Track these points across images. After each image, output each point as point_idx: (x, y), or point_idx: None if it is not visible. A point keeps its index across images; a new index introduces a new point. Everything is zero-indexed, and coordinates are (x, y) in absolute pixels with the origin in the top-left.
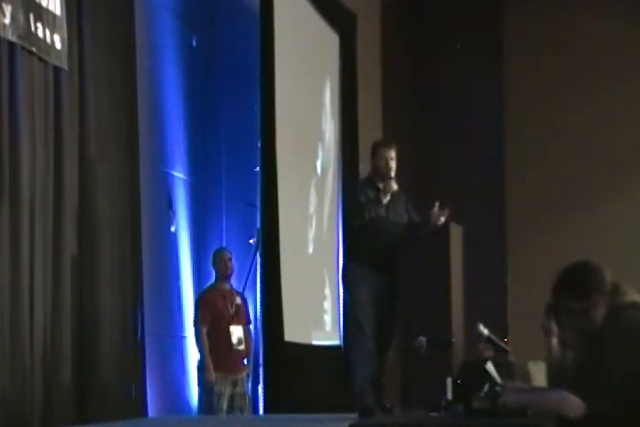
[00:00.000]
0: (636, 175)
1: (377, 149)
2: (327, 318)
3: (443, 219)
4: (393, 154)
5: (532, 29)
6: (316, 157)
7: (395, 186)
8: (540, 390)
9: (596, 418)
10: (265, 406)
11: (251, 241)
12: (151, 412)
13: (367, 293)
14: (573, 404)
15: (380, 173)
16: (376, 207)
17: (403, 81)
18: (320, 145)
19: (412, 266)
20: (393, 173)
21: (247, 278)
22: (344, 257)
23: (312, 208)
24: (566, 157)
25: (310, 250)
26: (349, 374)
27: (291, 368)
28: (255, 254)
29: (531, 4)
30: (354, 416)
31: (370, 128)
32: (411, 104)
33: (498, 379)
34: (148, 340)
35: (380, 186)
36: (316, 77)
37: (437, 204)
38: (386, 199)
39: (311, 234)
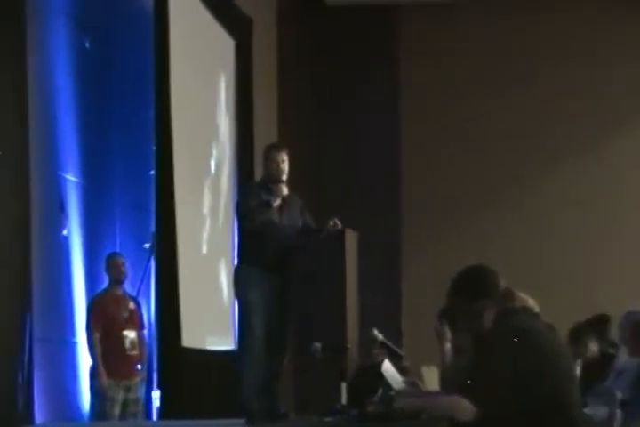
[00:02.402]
0: (529, 180)
1: (268, 152)
2: (223, 322)
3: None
4: (284, 157)
5: (427, 33)
6: (210, 155)
7: (285, 190)
8: (433, 394)
9: (487, 421)
10: (160, 412)
11: (145, 245)
12: (41, 419)
13: (259, 296)
14: (465, 408)
15: (271, 176)
16: (267, 211)
17: (299, 84)
18: (214, 144)
19: (306, 271)
20: (284, 177)
21: (141, 283)
22: (237, 259)
23: (206, 208)
24: (462, 162)
25: (204, 251)
26: (239, 379)
27: (186, 374)
28: (150, 259)
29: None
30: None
31: (266, 130)
32: (308, 107)
33: (398, 379)
34: (38, 346)
35: (272, 189)
36: (211, 79)
37: (334, 220)
38: (277, 203)
39: (205, 235)
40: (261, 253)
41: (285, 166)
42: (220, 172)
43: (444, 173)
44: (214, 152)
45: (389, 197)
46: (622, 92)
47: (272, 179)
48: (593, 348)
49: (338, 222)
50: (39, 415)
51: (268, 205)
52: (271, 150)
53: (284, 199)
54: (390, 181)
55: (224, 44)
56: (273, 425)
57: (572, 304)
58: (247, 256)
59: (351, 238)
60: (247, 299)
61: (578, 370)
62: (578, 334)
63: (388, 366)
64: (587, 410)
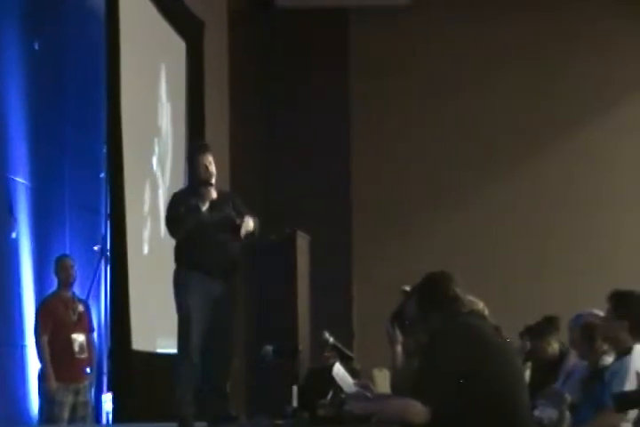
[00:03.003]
0: (478, 184)
1: (193, 155)
2: (173, 324)
3: (243, 231)
4: (210, 159)
5: (376, 35)
6: (152, 153)
7: (214, 193)
8: (385, 397)
9: (438, 423)
10: (113, 416)
11: (95, 248)
12: None
13: (197, 300)
14: (416, 410)
15: (199, 179)
16: (197, 216)
17: (250, 85)
18: (156, 140)
19: (258, 273)
20: (213, 180)
21: (91, 286)
22: (175, 263)
23: (147, 207)
24: (412, 163)
25: (146, 251)
26: (172, 381)
27: (136, 377)
28: (100, 261)
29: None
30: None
31: (217, 132)
32: (259, 107)
33: (349, 382)
34: None
35: (201, 193)
36: (159, 79)
37: (244, 218)
38: (206, 206)
39: (146, 234)
40: (197, 257)
41: (213, 168)
42: (163, 169)
43: (395, 174)
44: (156, 149)
45: (340, 198)
46: (577, 93)
47: (200, 182)
48: (555, 347)
49: (247, 222)
50: None
51: (197, 209)
52: (196, 153)
53: (213, 202)
54: (341, 182)
55: (174, 46)
56: None
57: (523, 305)
58: (184, 260)
59: (303, 241)
60: (185, 303)
61: (528, 372)
62: (534, 335)
63: (338, 369)
64: (536, 412)
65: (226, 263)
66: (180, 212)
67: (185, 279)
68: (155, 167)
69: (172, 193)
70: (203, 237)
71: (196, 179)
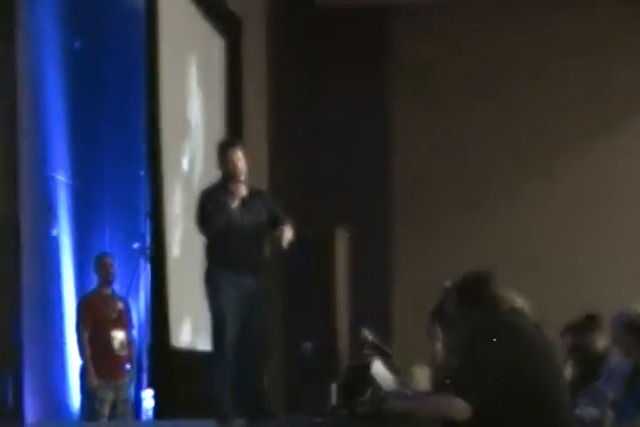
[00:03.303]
0: (519, 182)
1: (222, 152)
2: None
3: (285, 242)
4: (240, 155)
5: (417, 33)
6: (186, 152)
7: (244, 189)
8: (425, 394)
9: (481, 420)
10: (153, 412)
11: (135, 246)
12: (31, 419)
13: (229, 298)
14: (458, 408)
15: (229, 176)
16: (227, 213)
17: (289, 83)
18: (192, 139)
19: (297, 271)
20: (243, 176)
21: (131, 284)
22: (206, 261)
23: (181, 204)
24: (455, 162)
25: (184, 248)
26: (207, 378)
27: (176, 373)
28: (139, 259)
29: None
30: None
31: (255, 131)
32: (298, 107)
33: (389, 380)
34: (27, 345)
35: (231, 190)
36: (196, 75)
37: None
38: (235, 204)
39: (180, 232)
40: (227, 256)
41: (242, 165)
42: (193, 169)
43: (436, 173)
44: (190, 149)
45: (382, 197)
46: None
47: (229, 179)
48: (597, 345)
49: (287, 233)
50: (29, 415)
51: (226, 206)
52: (225, 149)
53: (246, 199)
54: (382, 181)
55: (213, 44)
56: (261, 425)
57: (564, 304)
58: (214, 258)
59: (342, 237)
60: (217, 302)
61: (569, 370)
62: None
63: (378, 367)
64: (577, 411)
65: (256, 261)
66: (209, 209)
67: (216, 278)
68: (186, 167)
69: (202, 191)
70: (232, 238)
71: (224, 175)
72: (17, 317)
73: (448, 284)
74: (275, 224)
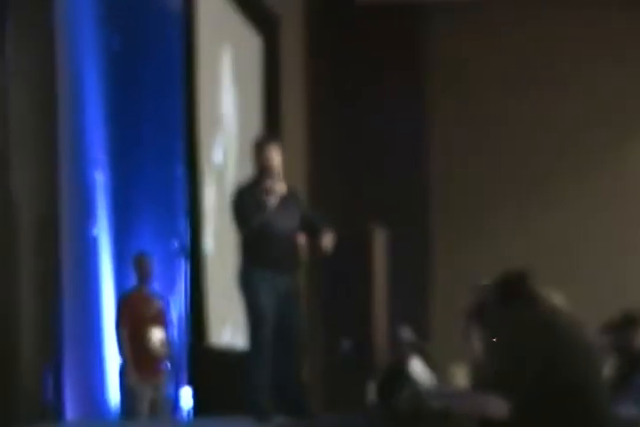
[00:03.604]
0: (560, 182)
1: (258, 149)
2: None
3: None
4: (275, 152)
5: (455, 32)
6: (221, 150)
7: (280, 188)
8: (463, 392)
9: (520, 419)
10: (192, 410)
11: (174, 244)
12: (71, 416)
13: (266, 297)
14: (497, 406)
15: (264, 173)
16: (262, 212)
17: (327, 82)
18: (227, 137)
19: (335, 270)
20: (279, 174)
21: (169, 282)
22: (240, 261)
23: (211, 203)
24: (493, 161)
25: (221, 247)
26: (245, 377)
27: (215, 371)
28: (179, 258)
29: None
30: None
31: (293, 129)
32: (335, 106)
33: (426, 378)
34: (67, 344)
35: (267, 187)
36: (233, 73)
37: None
38: (272, 202)
39: (210, 230)
40: (263, 254)
41: (278, 162)
42: (226, 163)
43: (475, 173)
44: (225, 148)
45: (419, 196)
46: None
47: (266, 176)
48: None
49: (328, 240)
50: (69, 413)
51: (264, 205)
52: (261, 145)
53: (280, 197)
54: (420, 181)
55: (250, 42)
56: (300, 423)
57: (604, 303)
58: (249, 258)
59: (380, 236)
60: (253, 301)
61: (608, 368)
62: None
63: (416, 365)
64: (616, 408)
65: (292, 260)
66: (246, 207)
67: (251, 277)
68: (220, 163)
69: (236, 187)
70: (267, 237)
71: (259, 172)
72: (57, 316)
73: (486, 283)
74: (310, 226)
